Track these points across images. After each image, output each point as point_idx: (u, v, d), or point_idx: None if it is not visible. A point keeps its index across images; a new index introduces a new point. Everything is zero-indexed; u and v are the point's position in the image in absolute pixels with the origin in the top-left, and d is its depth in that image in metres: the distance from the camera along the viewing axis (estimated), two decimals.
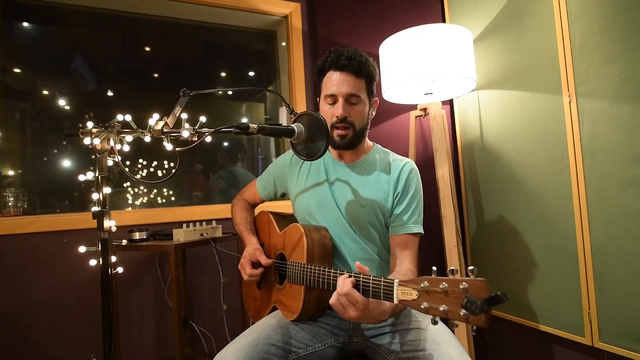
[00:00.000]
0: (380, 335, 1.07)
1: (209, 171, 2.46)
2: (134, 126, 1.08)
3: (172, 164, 2.42)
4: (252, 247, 1.21)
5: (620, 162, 1.22)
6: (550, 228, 1.45)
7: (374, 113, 1.22)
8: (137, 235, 1.59)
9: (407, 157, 1.75)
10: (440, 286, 0.66)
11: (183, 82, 2.37)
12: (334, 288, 0.93)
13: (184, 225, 1.54)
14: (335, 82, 1.12)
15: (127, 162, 2.25)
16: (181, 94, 1.07)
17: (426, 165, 1.80)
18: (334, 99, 1.13)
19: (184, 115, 1.07)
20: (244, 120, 2.62)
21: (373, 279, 0.80)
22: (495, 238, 1.71)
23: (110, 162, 1.11)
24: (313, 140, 0.97)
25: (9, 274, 1.61)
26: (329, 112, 1.13)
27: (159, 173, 2.36)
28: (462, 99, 1.87)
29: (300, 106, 2.23)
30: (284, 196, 1.36)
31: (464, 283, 0.63)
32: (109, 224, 1.09)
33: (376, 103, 1.22)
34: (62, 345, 1.68)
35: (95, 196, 1.09)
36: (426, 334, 0.97)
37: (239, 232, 1.34)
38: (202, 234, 1.57)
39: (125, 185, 2.24)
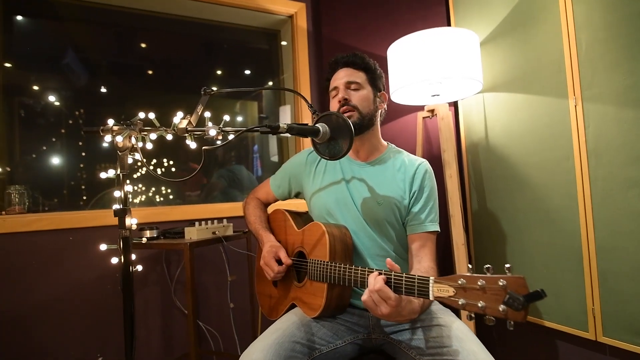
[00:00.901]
0: (400, 332, 1.10)
1: (209, 170, 2.45)
2: (157, 124, 1.08)
3: (171, 162, 2.41)
4: (270, 244, 1.22)
5: (624, 163, 1.28)
6: (555, 226, 1.50)
7: (384, 107, 1.27)
8: (147, 234, 1.58)
9: None
10: (479, 283, 0.69)
11: (178, 80, 2.37)
12: (361, 285, 0.96)
13: (197, 223, 1.54)
14: (336, 77, 1.23)
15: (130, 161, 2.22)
16: (202, 92, 1.08)
17: (433, 166, 1.83)
18: (336, 90, 1.22)
19: (207, 114, 1.08)
20: (239, 118, 2.62)
21: (406, 276, 0.82)
22: (499, 236, 1.76)
23: (130, 160, 1.11)
24: (336, 139, 0.99)
25: (14, 273, 1.59)
26: (334, 102, 1.21)
27: (158, 171, 2.34)
28: (466, 101, 1.92)
29: (306, 107, 2.24)
30: (298, 195, 1.38)
31: (502, 280, 0.66)
32: (131, 221, 1.09)
33: (384, 97, 1.27)
34: (68, 345, 1.66)
35: (117, 194, 1.09)
36: (449, 331, 1.00)
37: (253, 230, 1.35)
38: (214, 232, 1.57)
39: (119, 183, 2.20)
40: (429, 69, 1.55)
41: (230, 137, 1.05)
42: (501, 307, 0.65)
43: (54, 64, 1.99)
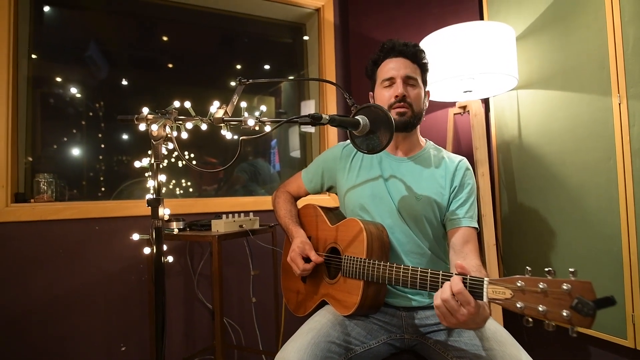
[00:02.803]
0: (435, 332, 1.07)
1: (231, 164, 2.42)
2: (193, 113, 1.06)
3: (192, 155, 2.41)
4: (299, 240, 1.19)
5: None
6: (593, 229, 1.45)
7: (427, 104, 1.23)
8: (174, 225, 1.58)
9: None
10: (540, 285, 0.65)
11: (199, 73, 2.35)
12: (403, 284, 0.93)
13: (224, 216, 1.53)
14: (393, 66, 1.15)
15: (149, 152, 2.22)
16: (238, 82, 1.06)
17: None
18: (391, 81, 1.15)
19: (243, 104, 1.06)
20: (256, 113, 2.59)
21: (470, 279, 0.77)
22: (530, 238, 1.71)
23: (164, 150, 1.10)
24: (375, 133, 0.96)
25: (40, 261, 1.60)
26: (387, 94, 1.15)
27: (180, 164, 2.34)
28: (498, 98, 1.86)
29: (331, 101, 2.21)
30: (330, 189, 1.35)
31: (566, 284, 0.63)
32: (164, 211, 1.08)
33: (428, 94, 1.23)
34: (92, 335, 1.67)
35: (151, 183, 1.09)
36: (488, 334, 0.97)
37: (283, 225, 1.33)
38: (240, 226, 1.56)
39: (146, 175, 2.21)
40: (462, 64, 1.50)
41: (267, 128, 1.03)
42: (565, 312, 0.62)
43: (76, 56, 1.99)
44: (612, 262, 1.38)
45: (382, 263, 0.99)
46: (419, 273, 0.90)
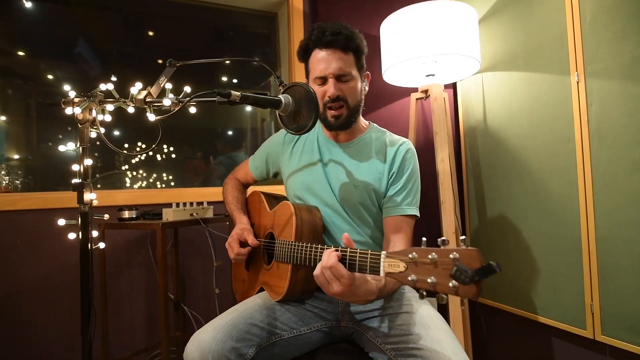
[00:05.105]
0: (369, 319, 1.02)
1: (211, 157, 2.42)
2: (116, 95, 1.04)
3: (171, 148, 2.39)
4: (240, 226, 1.17)
5: (630, 144, 1.16)
6: (554, 214, 1.38)
7: (367, 88, 1.16)
8: (126, 214, 1.55)
9: None
10: (429, 256, 0.60)
11: (186, 67, 2.34)
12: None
13: (174, 205, 1.50)
14: (322, 61, 1.05)
15: (126, 145, 2.22)
16: (167, 64, 1.03)
17: (427, 150, 1.74)
18: (323, 80, 1.07)
19: (169, 86, 1.03)
20: (248, 109, 2.57)
21: (360, 252, 0.75)
22: (496, 226, 1.65)
23: (93, 134, 1.08)
24: (302, 112, 0.92)
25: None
26: (320, 92, 1.07)
27: (158, 157, 2.33)
28: (465, 83, 1.81)
29: None
30: (276, 176, 1.31)
31: (454, 253, 0.58)
32: (90, 197, 1.05)
33: (368, 77, 1.16)
34: (52, 325, 1.64)
35: (75, 167, 1.06)
36: (416, 318, 0.92)
37: (229, 212, 1.30)
38: (192, 214, 1.52)
39: (124, 168, 2.21)
40: (424, 44, 1.44)
41: (193, 110, 1.01)
42: (451, 283, 0.57)
43: (66, 52, 2.01)
44: (572, 250, 1.32)
45: (309, 245, 0.94)
46: (348, 253, 0.85)
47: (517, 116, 1.52)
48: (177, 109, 0.92)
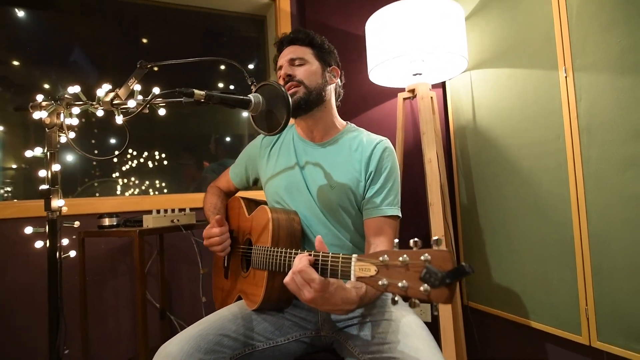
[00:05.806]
0: (349, 327, 0.97)
1: (206, 163, 2.39)
2: (84, 98, 1.01)
3: (163, 155, 2.35)
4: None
5: (621, 140, 1.11)
6: (545, 215, 1.34)
7: (337, 81, 1.16)
8: (107, 222, 1.50)
9: (396, 141, 1.66)
10: (400, 259, 0.56)
11: (177, 72, 2.32)
12: None
13: (154, 211, 1.45)
14: (281, 56, 1.15)
15: (116, 152, 2.18)
16: (138, 65, 1.00)
17: (417, 151, 1.70)
18: (280, 67, 1.13)
19: (138, 87, 1.00)
20: (245, 114, 2.53)
21: (332, 256, 0.70)
22: (487, 227, 1.60)
23: (63, 139, 1.05)
24: (273, 112, 0.89)
25: None
26: (279, 81, 1.12)
27: (150, 164, 2.28)
28: (454, 82, 1.77)
29: None
30: (256, 182, 1.27)
31: (425, 254, 0.53)
32: (57, 203, 1.01)
33: (336, 71, 1.16)
34: (33, 338, 1.59)
35: (42, 173, 1.02)
36: (396, 326, 0.87)
37: (207, 218, 1.25)
38: (172, 221, 1.47)
39: (114, 175, 2.16)
40: (410, 42, 1.41)
41: (162, 111, 0.99)
42: (422, 287, 0.52)
43: (61, 60, 2.00)
44: (565, 252, 1.27)
45: (284, 250, 0.89)
46: (320, 257, 0.80)
47: (506, 114, 1.48)
48: (139, 109, 0.88)
